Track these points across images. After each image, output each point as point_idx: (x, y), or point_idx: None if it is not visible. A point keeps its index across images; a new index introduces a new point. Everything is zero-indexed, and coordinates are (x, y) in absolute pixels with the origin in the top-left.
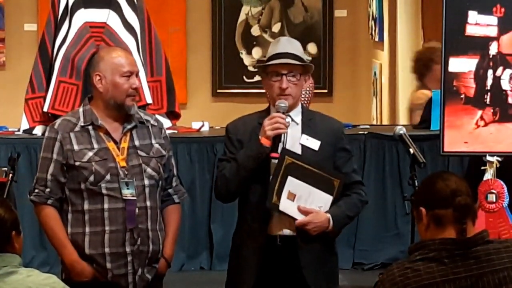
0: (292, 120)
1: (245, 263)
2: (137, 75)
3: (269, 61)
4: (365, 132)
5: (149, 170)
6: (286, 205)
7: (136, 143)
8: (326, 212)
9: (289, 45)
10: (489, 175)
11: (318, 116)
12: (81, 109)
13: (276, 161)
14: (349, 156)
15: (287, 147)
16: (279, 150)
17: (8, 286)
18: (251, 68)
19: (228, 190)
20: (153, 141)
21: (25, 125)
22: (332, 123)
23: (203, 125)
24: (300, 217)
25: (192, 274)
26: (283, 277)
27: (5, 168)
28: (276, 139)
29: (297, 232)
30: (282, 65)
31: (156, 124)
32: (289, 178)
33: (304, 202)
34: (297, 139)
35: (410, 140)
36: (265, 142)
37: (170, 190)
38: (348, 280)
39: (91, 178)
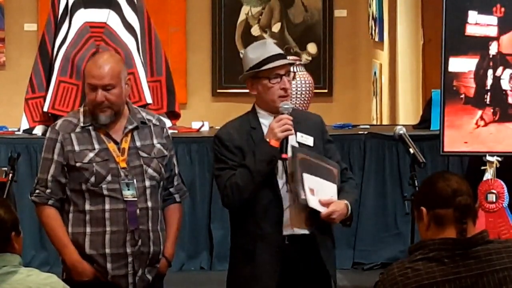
0: None
1: (264, 268)
2: (107, 90)
3: (263, 63)
4: (365, 132)
5: (150, 171)
6: (311, 200)
7: (138, 144)
8: (340, 199)
9: (276, 46)
10: (489, 175)
11: (299, 112)
12: (81, 110)
13: (284, 161)
14: (335, 146)
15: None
16: (288, 150)
17: (8, 285)
18: None
19: (241, 197)
20: (155, 141)
21: (25, 125)
22: (313, 117)
23: (203, 125)
24: (323, 210)
25: (192, 274)
26: (303, 275)
27: (5, 168)
28: (283, 140)
29: (314, 228)
30: (282, 66)
31: (158, 123)
32: (305, 175)
33: (320, 195)
34: (292, 138)
35: (410, 140)
36: (275, 144)
37: (171, 189)
38: (348, 280)
39: (92, 179)
